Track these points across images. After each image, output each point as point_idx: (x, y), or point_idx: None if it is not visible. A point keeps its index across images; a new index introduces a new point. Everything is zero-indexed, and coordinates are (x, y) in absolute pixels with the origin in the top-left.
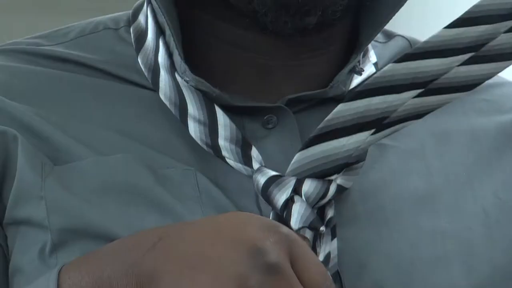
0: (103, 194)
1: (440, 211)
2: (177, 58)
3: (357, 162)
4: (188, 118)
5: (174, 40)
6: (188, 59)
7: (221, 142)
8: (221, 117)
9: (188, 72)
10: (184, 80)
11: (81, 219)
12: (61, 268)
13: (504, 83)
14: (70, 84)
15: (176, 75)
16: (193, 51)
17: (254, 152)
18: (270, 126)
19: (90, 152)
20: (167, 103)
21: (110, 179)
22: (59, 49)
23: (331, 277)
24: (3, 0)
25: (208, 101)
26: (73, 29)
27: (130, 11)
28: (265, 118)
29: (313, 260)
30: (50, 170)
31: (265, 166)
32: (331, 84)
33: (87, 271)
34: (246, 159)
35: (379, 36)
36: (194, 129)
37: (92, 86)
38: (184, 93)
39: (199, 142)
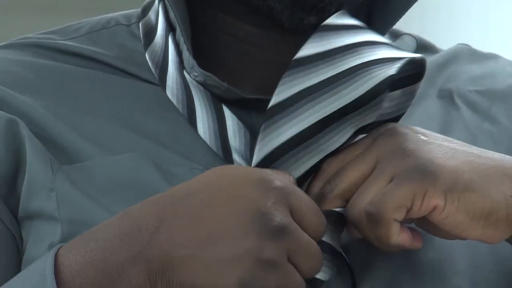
0: (110, 192)
1: None
2: (185, 54)
3: None
4: (197, 119)
5: (182, 35)
6: (198, 56)
7: (232, 142)
8: (229, 117)
9: (196, 67)
10: (192, 75)
11: (89, 217)
12: (58, 251)
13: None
14: (81, 79)
15: (185, 73)
16: (204, 49)
17: None
18: None
19: (99, 149)
20: (174, 101)
21: (118, 177)
22: (71, 43)
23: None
24: (3, 0)
25: (216, 101)
26: (85, 25)
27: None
28: None
29: (309, 206)
30: (58, 167)
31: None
32: None
33: (90, 258)
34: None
35: (385, 37)
36: (203, 131)
37: (103, 81)
38: (193, 93)
39: (208, 143)
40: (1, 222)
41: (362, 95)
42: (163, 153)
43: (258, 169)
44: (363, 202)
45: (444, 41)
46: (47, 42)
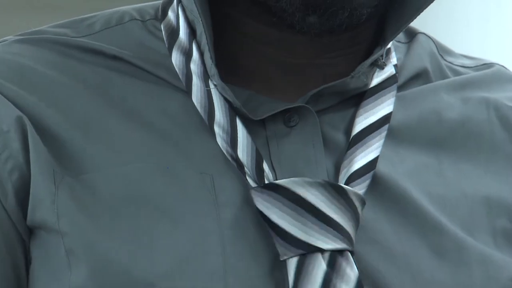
0: (112, 208)
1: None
2: (208, 61)
3: None
4: (215, 125)
5: (208, 43)
6: (215, 55)
7: (240, 153)
8: (241, 129)
9: (217, 77)
10: (213, 83)
11: (88, 233)
12: None
13: None
14: (98, 76)
15: (209, 81)
16: (219, 47)
17: (265, 166)
18: (292, 124)
19: (107, 157)
20: (198, 106)
21: (120, 192)
22: (86, 40)
23: None
24: (3, 0)
25: (232, 112)
26: (98, 20)
27: (155, 4)
28: (286, 115)
29: None
30: (60, 179)
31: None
32: (352, 74)
33: None
34: (259, 174)
35: (401, 36)
36: (220, 138)
37: (119, 78)
38: (213, 98)
39: (224, 151)
40: (11, 221)
41: None
42: (174, 156)
43: None
44: None
45: (444, 41)
46: (64, 39)
